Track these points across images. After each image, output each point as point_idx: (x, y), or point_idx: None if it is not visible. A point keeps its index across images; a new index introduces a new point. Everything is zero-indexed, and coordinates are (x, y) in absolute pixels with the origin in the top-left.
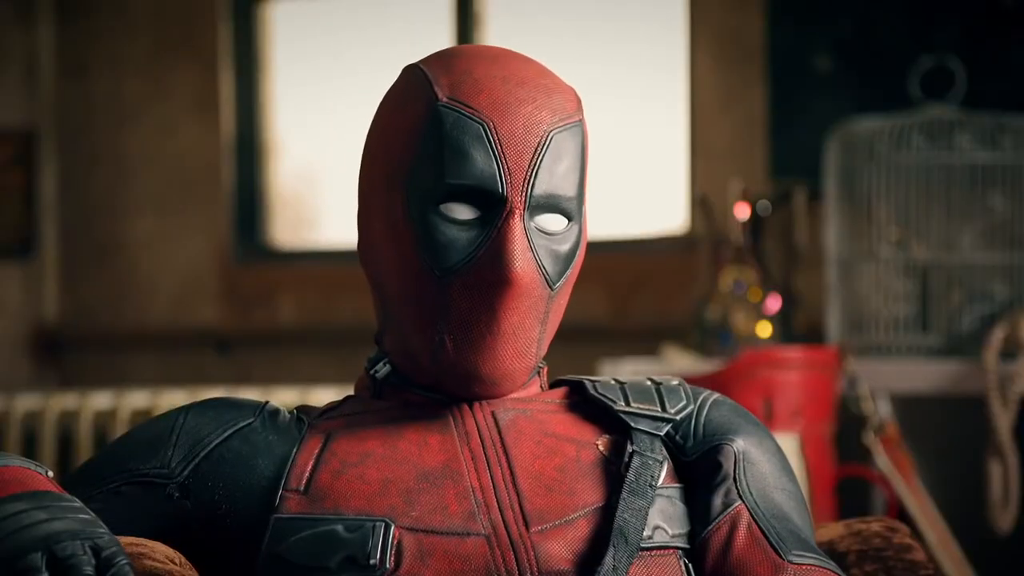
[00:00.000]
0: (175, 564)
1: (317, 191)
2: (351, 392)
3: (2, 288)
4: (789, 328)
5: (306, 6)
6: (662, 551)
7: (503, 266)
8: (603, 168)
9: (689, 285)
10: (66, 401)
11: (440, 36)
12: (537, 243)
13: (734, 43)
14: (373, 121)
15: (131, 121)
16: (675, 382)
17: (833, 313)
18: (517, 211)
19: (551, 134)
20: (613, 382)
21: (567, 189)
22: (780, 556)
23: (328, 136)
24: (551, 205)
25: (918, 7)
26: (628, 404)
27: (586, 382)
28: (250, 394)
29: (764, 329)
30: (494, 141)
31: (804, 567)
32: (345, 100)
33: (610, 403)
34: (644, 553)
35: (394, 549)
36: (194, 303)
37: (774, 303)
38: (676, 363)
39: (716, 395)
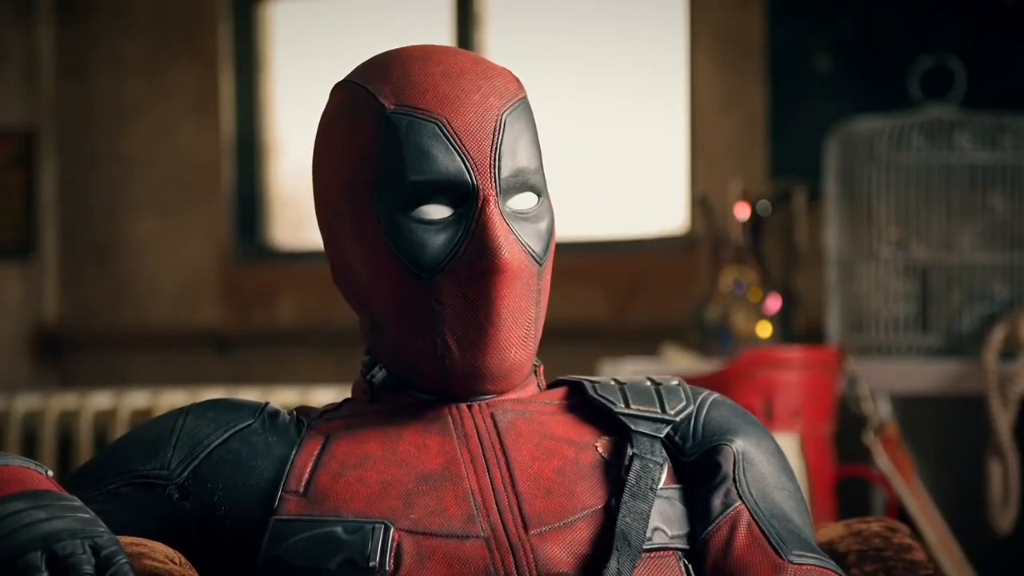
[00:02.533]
0: (175, 564)
1: None
2: (350, 393)
3: (2, 288)
4: (789, 328)
5: (306, 6)
6: (661, 552)
7: (491, 254)
8: (604, 168)
9: (689, 285)
10: (66, 401)
11: (440, 36)
12: (517, 226)
13: (734, 43)
14: (318, 150)
15: (131, 121)
16: (674, 382)
17: (833, 313)
18: (491, 198)
19: (503, 116)
20: (612, 383)
21: (530, 164)
22: (780, 556)
23: None
24: (520, 185)
25: (918, 7)
26: (627, 406)
27: (585, 383)
28: (250, 394)
29: (764, 329)
30: (451, 136)
31: (804, 567)
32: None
33: (610, 405)
34: (644, 555)
35: (393, 551)
36: (194, 303)
37: (774, 303)
38: (676, 363)
39: (715, 395)
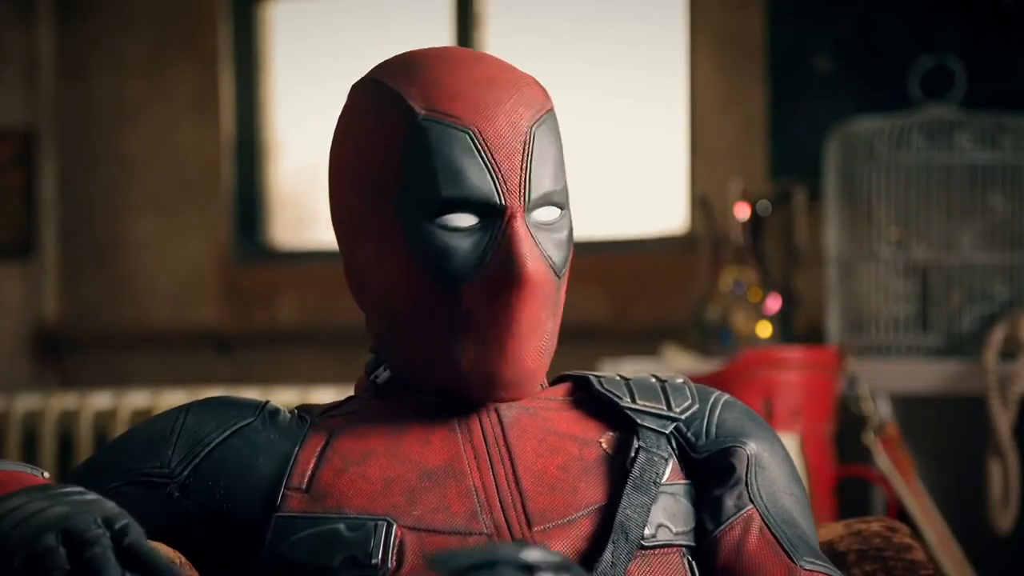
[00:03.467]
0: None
1: (317, 191)
2: (351, 392)
3: (2, 288)
4: (789, 328)
5: (306, 6)
6: (665, 550)
7: (516, 268)
8: (604, 168)
9: (689, 285)
10: (66, 401)
11: (440, 36)
12: (540, 237)
13: (734, 43)
14: (339, 147)
15: (131, 121)
16: (680, 380)
17: (833, 313)
18: (518, 213)
19: (533, 130)
20: (618, 378)
21: (556, 183)
22: (793, 561)
23: (328, 136)
24: (545, 200)
25: (918, 7)
26: (634, 401)
27: (591, 378)
28: (250, 394)
29: (764, 329)
30: (482, 148)
31: (815, 574)
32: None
33: (616, 399)
34: (647, 552)
35: (396, 549)
36: (194, 303)
37: (774, 303)
38: (676, 363)
39: (727, 396)
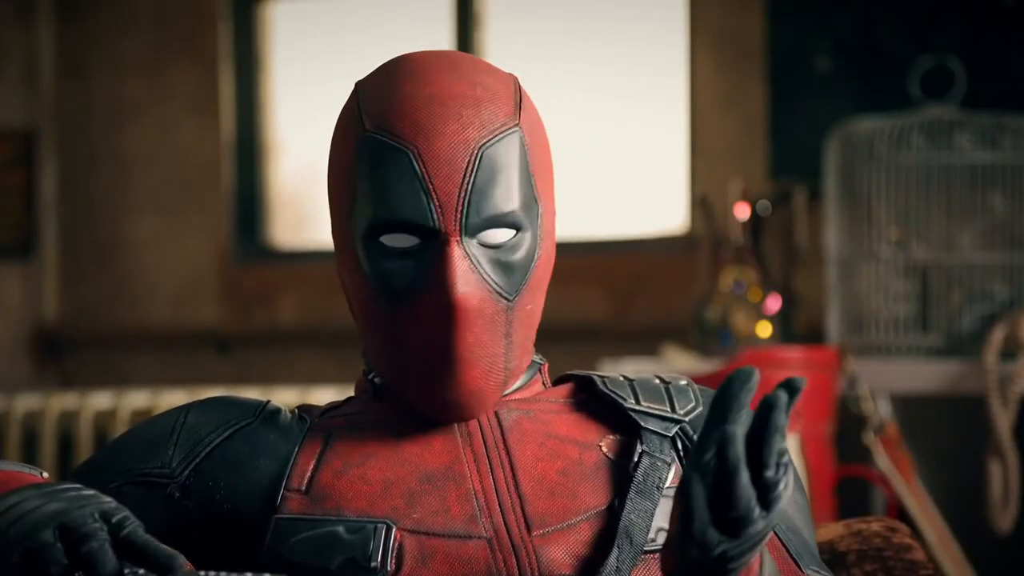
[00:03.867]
0: None
1: (317, 191)
2: (351, 392)
3: (2, 288)
4: (789, 328)
5: (306, 6)
6: None
7: (445, 293)
8: (604, 168)
9: (689, 285)
10: (66, 401)
11: (440, 36)
12: (482, 260)
13: (734, 43)
14: (330, 148)
15: (131, 121)
16: (683, 382)
17: (833, 313)
18: (453, 238)
19: (481, 151)
20: (622, 379)
21: (507, 205)
22: (799, 568)
23: (328, 136)
24: (492, 221)
25: (918, 7)
26: (638, 402)
27: (595, 378)
28: (250, 394)
29: (764, 329)
30: (420, 168)
31: None
32: (345, 100)
33: (620, 400)
34: (647, 556)
35: (395, 551)
36: (194, 303)
37: (774, 303)
38: (676, 363)
39: None
